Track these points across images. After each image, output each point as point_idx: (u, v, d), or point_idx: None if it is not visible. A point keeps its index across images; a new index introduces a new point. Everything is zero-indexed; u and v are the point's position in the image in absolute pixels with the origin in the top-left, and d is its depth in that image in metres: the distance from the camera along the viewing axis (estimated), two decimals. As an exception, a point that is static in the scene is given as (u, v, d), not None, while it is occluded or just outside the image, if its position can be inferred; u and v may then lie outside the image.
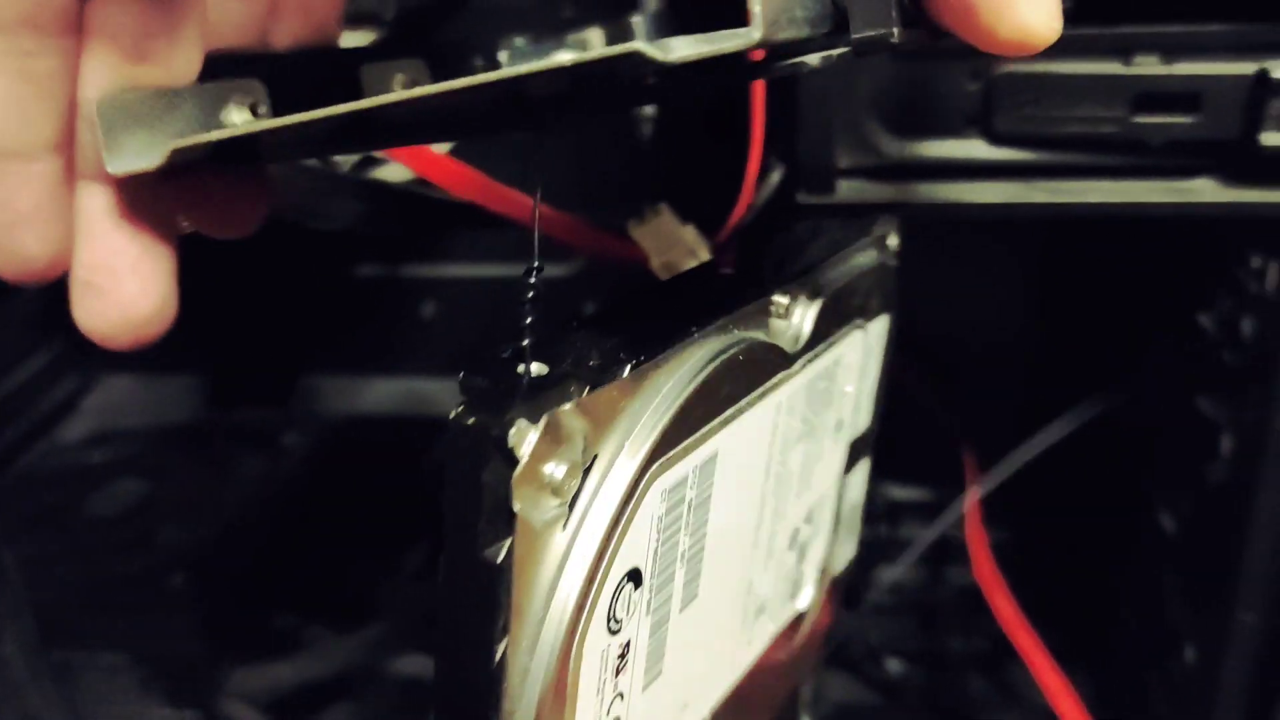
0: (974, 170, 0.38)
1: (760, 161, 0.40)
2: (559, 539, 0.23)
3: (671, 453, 0.25)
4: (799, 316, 0.31)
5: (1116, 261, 0.53)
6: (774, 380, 0.30)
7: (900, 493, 0.65)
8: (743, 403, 0.28)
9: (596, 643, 0.24)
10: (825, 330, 0.32)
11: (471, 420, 0.21)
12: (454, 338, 0.67)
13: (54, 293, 0.68)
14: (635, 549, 0.25)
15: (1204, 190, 0.37)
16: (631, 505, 0.24)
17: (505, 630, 0.22)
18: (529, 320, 0.23)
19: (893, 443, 0.58)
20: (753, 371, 0.29)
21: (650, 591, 0.26)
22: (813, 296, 0.31)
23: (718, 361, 0.27)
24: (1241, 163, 0.36)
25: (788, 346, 0.31)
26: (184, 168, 0.25)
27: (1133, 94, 0.36)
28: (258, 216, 0.30)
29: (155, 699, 0.55)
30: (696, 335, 0.27)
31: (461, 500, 0.21)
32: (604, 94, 0.27)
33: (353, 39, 0.56)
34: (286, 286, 0.68)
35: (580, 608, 0.23)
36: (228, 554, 0.57)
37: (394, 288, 0.66)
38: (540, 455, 0.21)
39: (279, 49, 0.29)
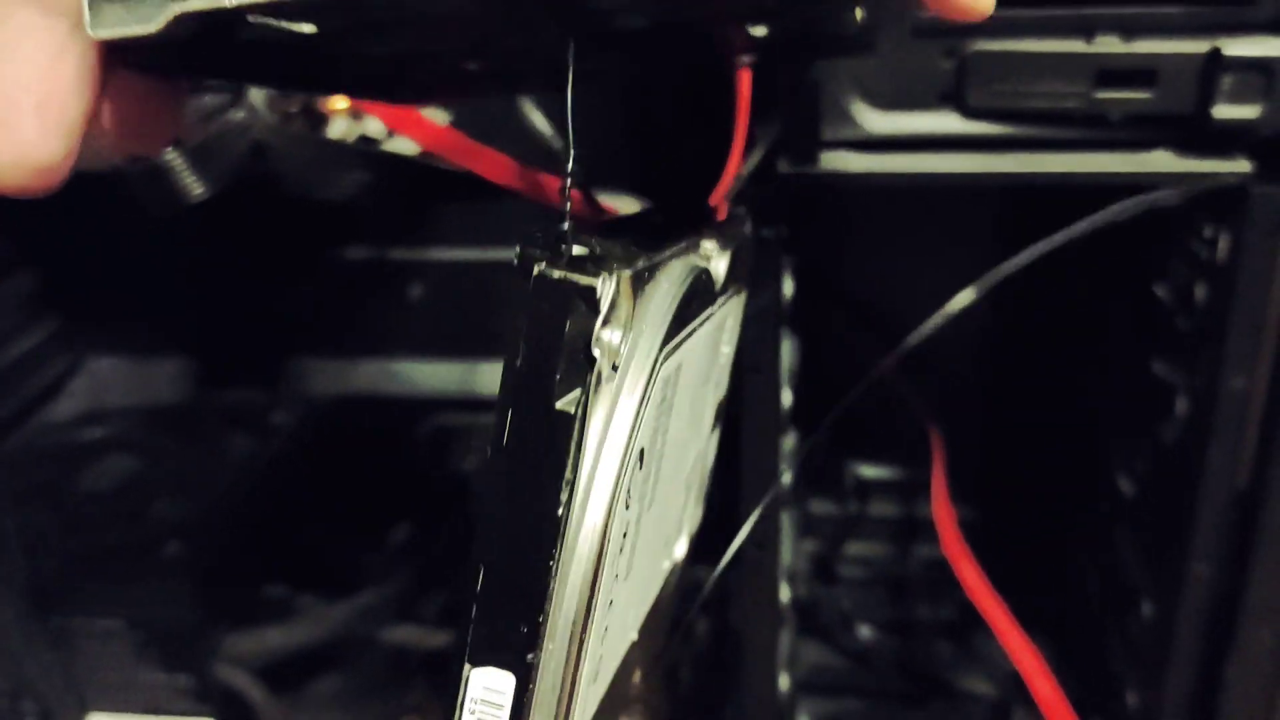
0: (948, 143, 0.41)
1: (746, 133, 0.42)
2: (607, 401, 0.24)
3: (670, 344, 0.26)
4: (716, 261, 0.33)
5: (1075, 237, 0.55)
6: (706, 311, 0.32)
7: (869, 471, 0.67)
8: (696, 322, 0.30)
9: (620, 513, 0.25)
10: (727, 284, 0.35)
11: (559, 274, 0.22)
12: (441, 320, 0.68)
13: (44, 276, 0.69)
14: (646, 429, 0.26)
15: (1160, 161, 0.40)
16: (651, 384, 0.25)
17: (571, 481, 0.23)
18: (568, 206, 0.25)
19: (861, 422, 0.60)
20: (703, 295, 0.31)
21: (643, 479, 0.28)
22: (724, 248, 0.34)
23: (693, 273, 0.29)
24: (1195, 135, 0.39)
25: (715, 285, 0.33)
26: (130, 54, 0.24)
27: (1094, 71, 0.39)
28: (165, 137, 0.29)
29: (150, 664, 0.56)
30: (675, 250, 0.29)
31: (542, 350, 0.22)
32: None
33: None
34: (274, 269, 0.69)
35: (619, 473, 0.24)
36: (219, 527, 0.58)
37: (381, 270, 0.68)
38: (609, 314, 0.23)
39: None
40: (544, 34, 0.28)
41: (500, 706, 0.23)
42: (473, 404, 0.68)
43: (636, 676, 0.38)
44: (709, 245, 0.33)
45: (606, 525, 0.24)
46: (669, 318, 0.26)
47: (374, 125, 0.53)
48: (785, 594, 0.49)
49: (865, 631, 0.60)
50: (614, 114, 0.58)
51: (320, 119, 0.52)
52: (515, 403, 0.22)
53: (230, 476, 0.62)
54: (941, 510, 0.57)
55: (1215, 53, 0.37)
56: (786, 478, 0.47)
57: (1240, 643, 0.45)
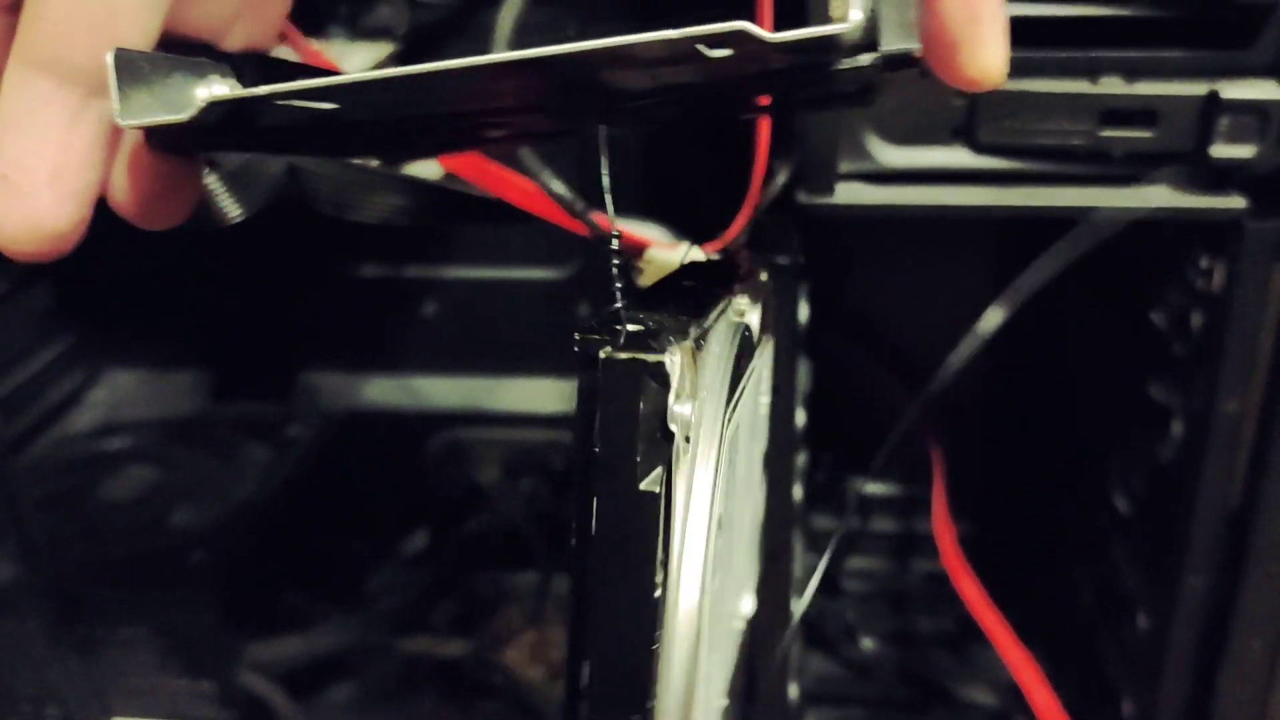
0: (958, 176, 0.43)
1: (765, 166, 0.44)
2: (685, 474, 0.24)
3: (730, 404, 0.27)
4: (750, 316, 0.33)
5: (1073, 265, 0.57)
6: (751, 365, 0.32)
7: (870, 487, 0.69)
8: (745, 378, 0.30)
9: (709, 585, 0.25)
10: (760, 334, 0.35)
11: (626, 356, 0.22)
12: (454, 337, 0.70)
13: (63, 289, 0.70)
14: (721, 496, 0.26)
15: (1160, 197, 0.42)
16: (722, 450, 0.25)
17: (665, 561, 0.23)
18: (618, 285, 0.25)
19: (862, 440, 0.62)
20: (747, 351, 0.31)
21: (722, 547, 0.28)
22: (754, 301, 0.34)
23: (738, 335, 0.29)
24: (1193, 172, 0.41)
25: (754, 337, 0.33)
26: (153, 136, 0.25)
27: (1098, 110, 0.41)
28: (181, 212, 0.29)
29: (173, 671, 0.57)
30: (716, 312, 0.29)
31: (620, 433, 0.22)
32: (675, 96, 0.28)
33: (365, 53, 0.60)
34: (291, 285, 0.71)
35: (707, 544, 0.24)
36: (237, 537, 0.60)
37: (397, 288, 0.69)
38: (679, 387, 0.23)
39: (228, 49, 0.29)
40: (565, 108, 0.28)
41: None
42: (484, 419, 0.70)
43: None
44: (742, 302, 0.33)
45: (701, 599, 0.24)
46: (727, 381, 0.26)
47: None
48: (796, 605, 0.51)
49: (868, 643, 0.62)
50: (629, 142, 0.60)
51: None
52: (600, 489, 0.23)
53: (248, 488, 0.63)
54: (941, 526, 0.59)
55: (1213, 95, 0.40)
56: (799, 494, 0.49)
57: (1232, 652, 0.47)
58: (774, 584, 0.48)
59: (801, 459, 0.51)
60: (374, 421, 0.70)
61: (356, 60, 0.57)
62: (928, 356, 0.67)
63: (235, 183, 0.47)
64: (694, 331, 0.26)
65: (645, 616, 0.23)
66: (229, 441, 0.67)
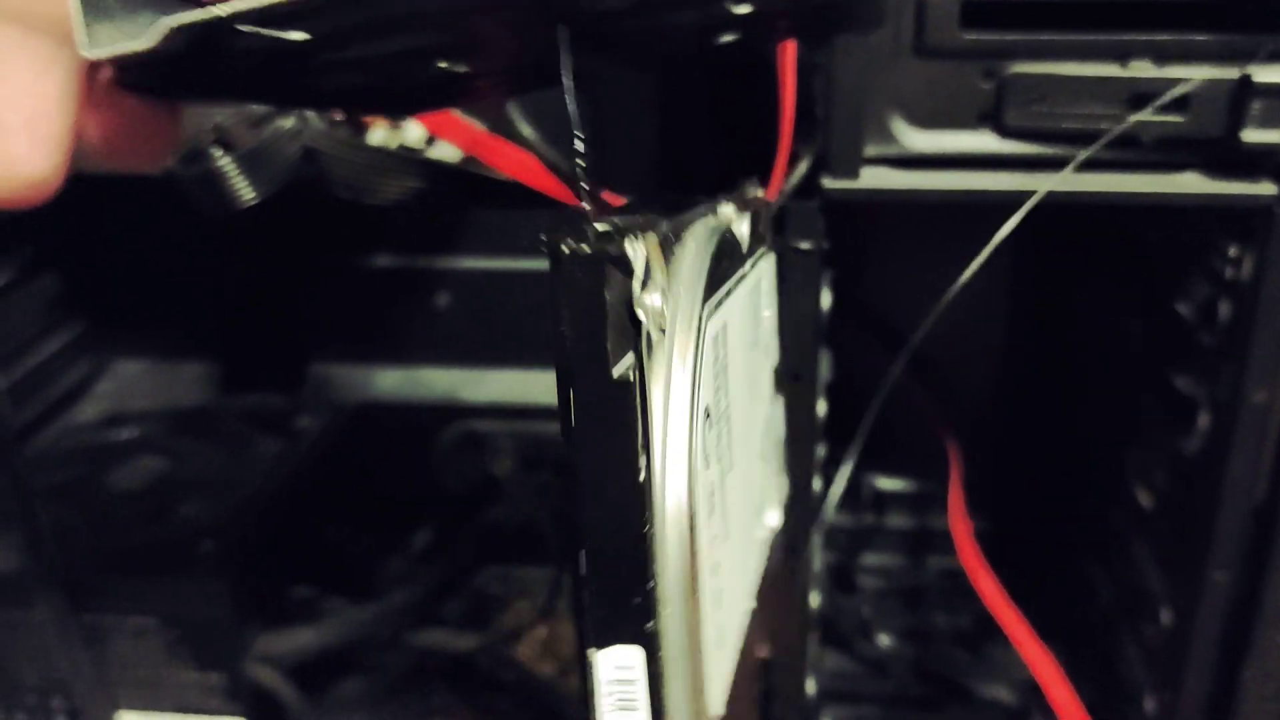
0: (985, 161, 0.42)
1: (789, 149, 0.43)
2: (662, 363, 0.24)
3: (710, 301, 0.27)
4: (737, 225, 0.33)
5: (1093, 255, 0.57)
6: (739, 271, 0.32)
7: (886, 483, 0.68)
8: (731, 281, 0.31)
9: (701, 472, 0.25)
10: (752, 245, 0.35)
11: (588, 249, 0.22)
12: (466, 328, 0.69)
13: (70, 279, 0.69)
14: (706, 387, 0.26)
15: (1190, 183, 0.41)
16: (701, 342, 0.25)
17: (646, 445, 0.23)
18: (584, 186, 0.25)
19: (878, 435, 0.61)
20: (734, 253, 0.31)
21: (715, 437, 0.28)
22: (741, 210, 0.34)
23: (718, 235, 0.29)
24: (1224, 158, 0.40)
25: (741, 246, 0.34)
26: (122, 73, 0.25)
27: (1128, 94, 0.40)
28: (158, 156, 0.29)
29: (181, 662, 0.56)
30: (694, 214, 0.29)
31: (586, 325, 0.22)
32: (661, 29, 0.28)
33: None
34: (300, 275, 0.70)
35: (690, 429, 0.24)
36: (247, 528, 0.59)
37: (408, 278, 0.69)
38: (645, 276, 0.23)
39: None
40: (536, 26, 0.28)
41: (634, 682, 0.24)
42: (497, 411, 0.69)
43: (763, 651, 0.39)
44: (726, 210, 0.33)
45: (690, 484, 0.24)
46: (703, 275, 0.26)
47: (413, 134, 0.54)
48: (815, 600, 0.50)
49: (884, 639, 0.62)
50: (651, 120, 0.59)
51: (361, 126, 0.54)
52: (574, 382, 0.23)
53: (257, 479, 0.62)
54: (958, 521, 0.59)
55: (1245, 79, 0.39)
56: (818, 485, 0.48)
57: (1257, 648, 0.46)
58: (795, 577, 0.48)
59: (821, 450, 0.50)
60: (385, 413, 0.70)
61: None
62: (939, 345, 0.67)
63: (249, 165, 0.46)
64: (664, 228, 0.26)
65: (633, 501, 0.23)
66: (238, 432, 0.66)
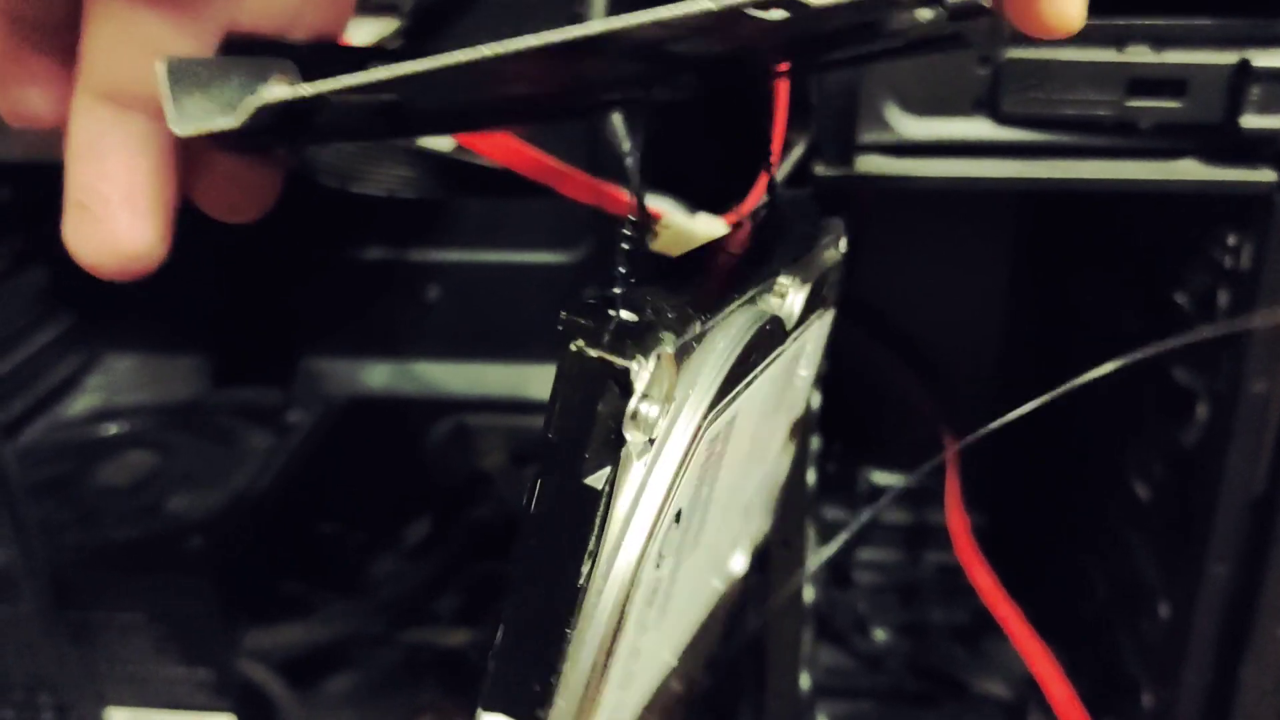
0: (981, 149, 0.41)
1: (783, 136, 0.42)
2: (639, 472, 0.24)
3: (720, 405, 0.26)
4: (793, 298, 0.33)
5: (1090, 246, 0.57)
6: (775, 353, 0.32)
7: (882, 478, 0.68)
8: (757, 370, 0.30)
9: (649, 574, 0.25)
10: (805, 315, 0.34)
11: (594, 354, 0.22)
12: (457, 321, 0.69)
13: (59, 271, 0.69)
14: (685, 491, 0.26)
15: (1188, 169, 0.41)
16: (692, 450, 0.25)
17: (594, 554, 0.23)
18: (621, 270, 0.25)
19: (875, 429, 0.61)
20: (768, 342, 0.30)
21: (680, 534, 0.28)
22: (804, 281, 0.33)
23: (754, 328, 0.29)
24: (1223, 144, 0.40)
25: (785, 324, 0.32)
26: (219, 139, 0.25)
27: (1126, 80, 0.40)
28: (265, 204, 0.30)
29: (170, 658, 0.56)
30: (738, 302, 0.29)
31: (573, 427, 0.22)
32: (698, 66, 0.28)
33: (370, 27, 0.59)
34: (291, 269, 0.70)
35: (648, 539, 0.24)
36: (237, 523, 0.58)
37: (399, 271, 0.68)
38: (646, 393, 0.23)
39: (295, 40, 0.28)
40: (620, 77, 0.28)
41: None
42: (488, 405, 0.68)
43: (677, 686, 0.38)
44: (785, 281, 0.32)
45: (629, 593, 0.24)
46: (718, 382, 0.26)
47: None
48: (809, 594, 0.50)
49: (880, 634, 0.61)
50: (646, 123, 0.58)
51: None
52: (545, 473, 0.23)
53: (247, 474, 0.62)
54: (955, 516, 0.58)
55: (1244, 64, 0.38)
56: (812, 479, 0.48)
57: (1256, 642, 0.45)
58: (789, 571, 0.47)
59: (815, 443, 0.50)
60: (376, 407, 0.69)
61: (360, 35, 0.56)
62: (935, 339, 0.67)
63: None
64: (694, 329, 0.25)
65: (564, 602, 0.23)
66: (228, 427, 0.66)
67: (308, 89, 0.22)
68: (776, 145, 0.42)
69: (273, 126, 0.24)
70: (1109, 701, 0.53)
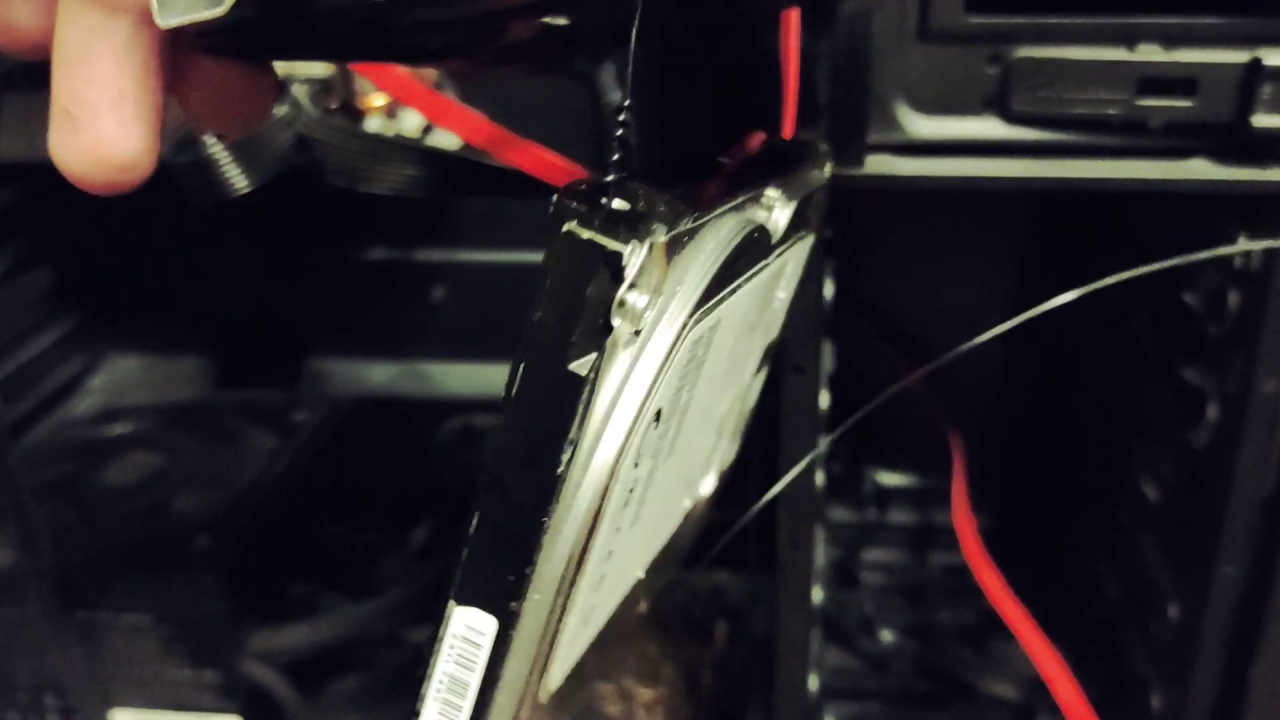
0: (991, 148, 0.41)
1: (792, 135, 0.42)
2: (624, 363, 0.23)
3: (706, 306, 0.26)
4: (779, 212, 0.33)
5: (1098, 246, 0.56)
6: (759, 265, 0.32)
7: (888, 478, 0.68)
8: (742, 278, 0.30)
9: (626, 472, 0.25)
10: (789, 233, 0.34)
11: (586, 235, 0.22)
12: (463, 322, 0.69)
13: (64, 272, 0.69)
14: (666, 390, 0.26)
15: (1199, 169, 0.40)
16: (676, 348, 0.25)
17: (575, 441, 0.23)
18: (615, 157, 0.24)
19: (881, 430, 0.60)
20: (754, 251, 0.30)
21: (658, 436, 0.27)
22: (790, 197, 0.33)
23: (743, 232, 0.28)
24: (1234, 143, 0.40)
25: (771, 237, 0.33)
26: (200, 36, 0.25)
27: (1136, 79, 0.39)
28: (260, 115, 0.30)
29: (175, 660, 0.56)
30: (729, 205, 0.29)
31: (560, 309, 0.22)
32: None
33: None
34: (297, 269, 0.70)
35: (629, 434, 0.24)
36: (242, 524, 0.58)
37: (404, 272, 0.68)
38: (636, 280, 0.22)
39: None
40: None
41: (479, 646, 0.24)
42: (495, 406, 0.68)
43: (643, 606, 0.39)
44: (772, 194, 0.32)
45: (608, 486, 0.24)
46: (706, 281, 0.26)
47: (410, 123, 0.54)
48: (817, 595, 0.50)
49: (887, 636, 0.61)
50: (652, 110, 0.58)
51: (358, 115, 0.53)
52: (529, 358, 0.22)
53: (253, 474, 0.62)
54: (962, 517, 0.58)
55: (1256, 63, 0.38)
56: (820, 479, 0.48)
57: (1267, 643, 0.45)
58: (797, 572, 0.47)
59: (823, 443, 0.49)
60: (381, 407, 0.69)
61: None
62: (943, 339, 0.67)
63: (242, 153, 0.46)
64: (685, 224, 0.25)
65: (542, 489, 0.23)
66: (233, 427, 0.66)
67: None
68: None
69: (258, 23, 0.24)
70: (1118, 703, 0.53)
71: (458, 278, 0.68)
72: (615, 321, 0.22)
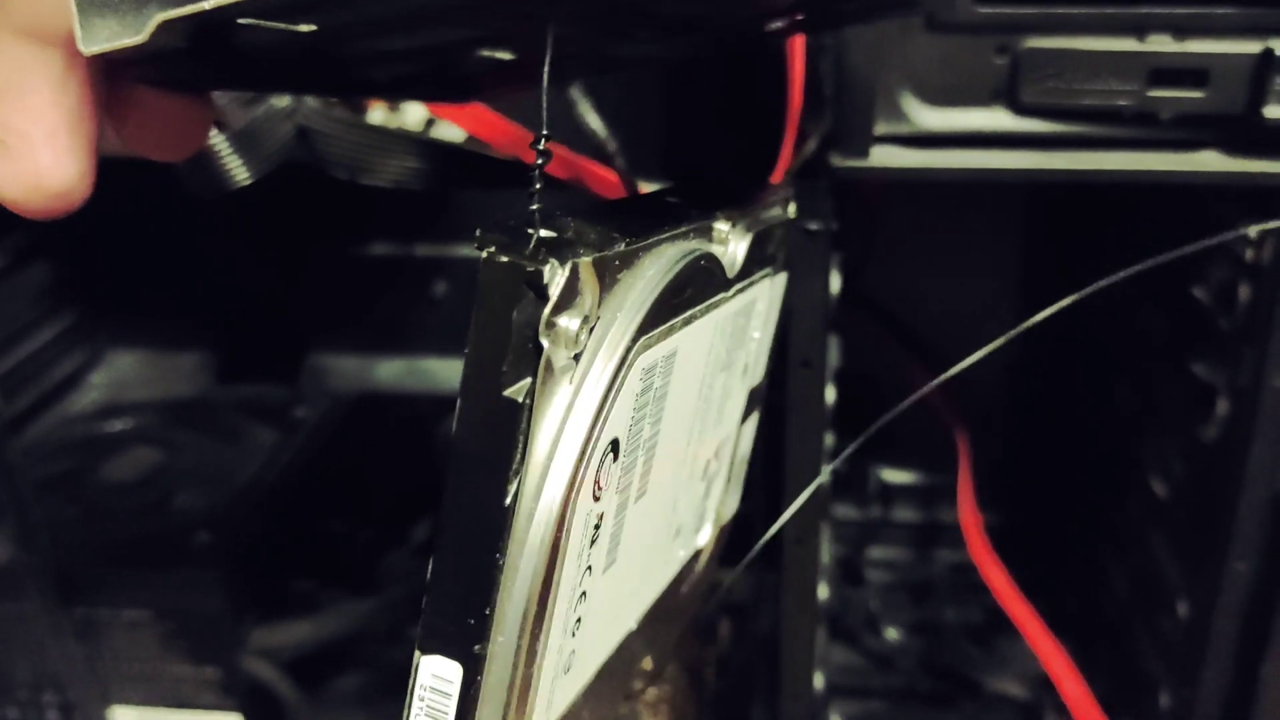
0: (999, 140, 0.41)
1: (798, 127, 0.42)
2: (565, 390, 0.23)
3: (652, 333, 0.26)
4: (734, 245, 0.32)
5: (1105, 240, 0.56)
6: (717, 297, 0.31)
7: (893, 476, 0.67)
8: (696, 309, 0.30)
9: (584, 505, 0.25)
10: (749, 268, 0.34)
11: (505, 259, 0.22)
12: (464, 317, 0.68)
13: (63, 268, 0.68)
14: (619, 419, 0.26)
15: (1210, 161, 0.40)
16: (622, 374, 0.25)
17: (519, 471, 0.22)
18: (538, 186, 0.24)
19: (886, 427, 0.60)
20: (707, 281, 0.30)
21: (620, 470, 0.27)
22: (746, 230, 0.33)
23: (687, 259, 0.28)
24: (1245, 135, 0.39)
25: (726, 270, 0.32)
26: (135, 67, 0.25)
27: (1147, 70, 0.39)
28: (195, 143, 0.30)
29: (175, 656, 0.55)
30: (669, 233, 0.28)
31: (489, 337, 0.22)
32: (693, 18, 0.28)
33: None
34: (298, 264, 0.69)
35: (579, 463, 0.23)
36: (243, 519, 0.58)
37: (406, 267, 0.68)
38: (562, 301, 0.22)
39: None
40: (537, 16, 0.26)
41: (448, 695, 0.23)
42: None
43: (647, 663, 0.38)
44: (723, 227, 0.32)
45: (564, 516, 0.23)
46: (647, 305, 0.25)
47: (413, 116, 0.53)
48: (823, 592, 0.49)
49: (893, 634, 0.61)
50: (657, 101, 0.58)
51: (361, 108, 0.53)
52: (466, 390, 0.22)
53: (254, 470, 0.61)
54: (968, 514, 0.58)
55: (1268, 53, 0.38)
56: (827, 474, 0.47)
57: (1277, 641, 0.45)
58: (803, 568, 0.47)
59: (829, 440, 0.49)
60: (383, 404, 0.69)
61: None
62: (948, 337, 0.66)
63: (242, 145, 0.45)
64: (620, 248, 0.25)
65: (491, 524, 0.22)
66: (234, 423, 0.65)
67: (209, 4, 0.21)
68: (790, 135, 0.41)
69: (186, 51, 0.24)
70: (1126, 701, 0.53)
71: (460, 273, 0.68)
72: (544, 342, 0.22)
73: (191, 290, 0.70)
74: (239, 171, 0.45)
